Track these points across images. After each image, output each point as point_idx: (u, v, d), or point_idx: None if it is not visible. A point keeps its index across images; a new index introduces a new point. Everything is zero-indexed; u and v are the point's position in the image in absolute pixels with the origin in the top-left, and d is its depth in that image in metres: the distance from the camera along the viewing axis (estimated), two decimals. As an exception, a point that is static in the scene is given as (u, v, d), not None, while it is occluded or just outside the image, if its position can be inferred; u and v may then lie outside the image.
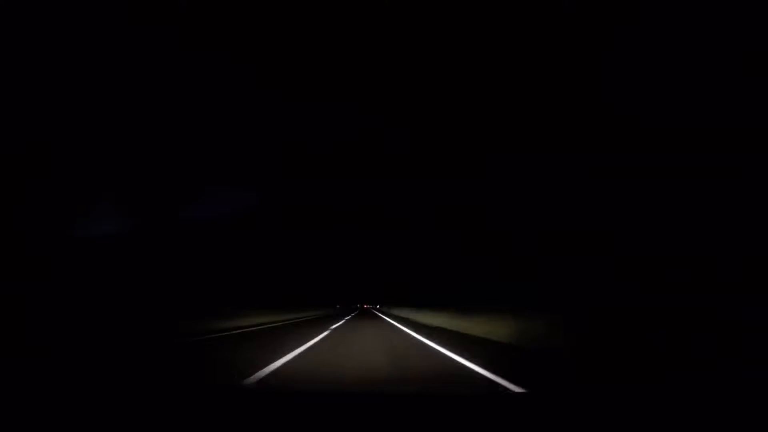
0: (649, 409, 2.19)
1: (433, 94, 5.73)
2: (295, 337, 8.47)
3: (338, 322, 15.74)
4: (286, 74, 5.32)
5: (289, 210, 17.93)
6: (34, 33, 4.30)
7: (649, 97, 4.80)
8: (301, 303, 24.55)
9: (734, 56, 3.91)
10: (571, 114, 5.65)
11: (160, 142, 6.54)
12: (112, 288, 7.77)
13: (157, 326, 7.79)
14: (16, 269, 5.96)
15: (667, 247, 5.16)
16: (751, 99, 4.00)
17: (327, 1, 4.20)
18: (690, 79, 4.38)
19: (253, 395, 3.04)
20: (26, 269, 6.18)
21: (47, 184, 6.14)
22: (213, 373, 4.11)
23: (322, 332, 9.92)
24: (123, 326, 6.73)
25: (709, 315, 3.39)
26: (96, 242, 7.41)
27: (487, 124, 6.44)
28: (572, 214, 7.34)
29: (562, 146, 6.37)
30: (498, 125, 6.41)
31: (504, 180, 8.31)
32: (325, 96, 5.74)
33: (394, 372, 4.19)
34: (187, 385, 3.34)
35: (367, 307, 67.79)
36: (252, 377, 3.73)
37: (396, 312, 27.18)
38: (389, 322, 16.07)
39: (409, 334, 9.48)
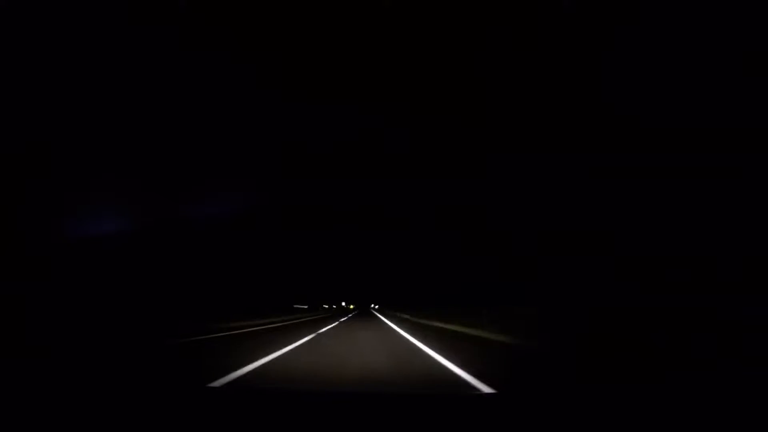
0: (649, 410, 2.19)
1: (433, 94, 5.72)
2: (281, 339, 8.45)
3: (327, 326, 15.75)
4: (286, 74, 5.31)
5: (289, 210, 17.90)
6: (34, 33, 4.29)
7: (649, 97, 4.79)
8: (300, 303, 24.56)
9: (734, 56, 3.91)
10: (571, 114, 5.65)
11: (160, 142, 6.53)
12: (111, 288, 7.77)
13: (156, 326, 7.78)
14: (16, 269, 5.95)
15: (667, 247, 5.16)
16: (751, 99, 4.00)
17: (327, 1, 4.19)
18: (690, 79, 4.37)
19: (224, 394, 3.08)
20: (26, 269, 6.17)
21: (47, 184, 6.13)
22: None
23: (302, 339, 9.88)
24: (123, 326, 6.72)
25: (709, 315, 3.39)
26: (96, 242, 7.40)
27: (487, 124, 6.43)
28: (572, 214, 7.34)
29: (562, 146, 6.36)
30: (498, 125, 6.40)
31: (504, 180, 8.30)
32: (325, 96, 5.73)
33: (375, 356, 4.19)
34: (164, 386, 3.34)
35: (369, 307, 67.84)
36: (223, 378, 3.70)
37: (393, 312, 27.43)
38: (384, 320, 16.12)
39: (404, 336, 9.47)
